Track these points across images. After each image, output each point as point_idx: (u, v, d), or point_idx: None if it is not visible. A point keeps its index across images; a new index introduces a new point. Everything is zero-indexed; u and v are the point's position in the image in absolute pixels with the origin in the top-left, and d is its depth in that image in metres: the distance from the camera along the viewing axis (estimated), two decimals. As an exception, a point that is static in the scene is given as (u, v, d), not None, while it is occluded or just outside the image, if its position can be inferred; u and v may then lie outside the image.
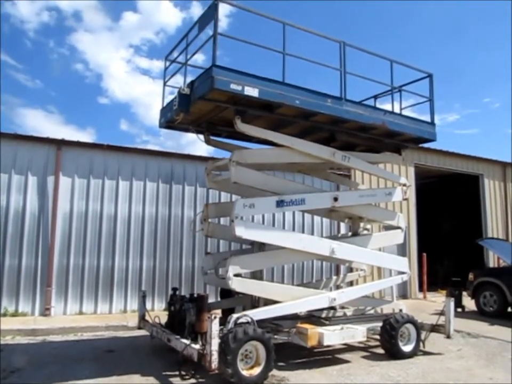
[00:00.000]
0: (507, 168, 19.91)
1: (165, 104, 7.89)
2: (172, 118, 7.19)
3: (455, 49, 54.66)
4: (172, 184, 12.51)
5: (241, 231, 6.54)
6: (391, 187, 9.08)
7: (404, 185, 8.91)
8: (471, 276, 13.10)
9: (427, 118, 8.78)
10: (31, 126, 53.59)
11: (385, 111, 8.10)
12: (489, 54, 51.90)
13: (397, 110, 8.67)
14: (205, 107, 7.04)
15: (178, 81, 8.04)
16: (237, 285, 6.63)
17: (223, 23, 53.82)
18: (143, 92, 57.66)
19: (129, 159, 12.00)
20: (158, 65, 63.31)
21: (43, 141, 11.04)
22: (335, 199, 7.68)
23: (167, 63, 8.23)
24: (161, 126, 8.15)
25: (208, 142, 8.13)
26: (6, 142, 10.61)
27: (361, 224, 9.28)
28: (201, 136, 8.09)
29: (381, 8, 51.71)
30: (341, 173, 10.64)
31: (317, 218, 14.32)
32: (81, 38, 49.90)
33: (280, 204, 6.98)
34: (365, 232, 9.29)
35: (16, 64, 46.60)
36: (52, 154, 11.07)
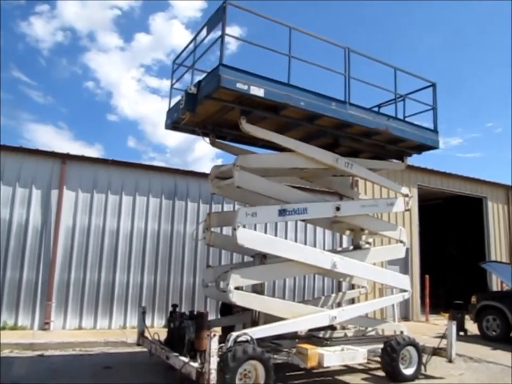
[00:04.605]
0: (510, 191, 19.90)
1: (171, 107, 7.98)
2: (178, 118, 7.24)
3: (456, 73, 55.12)
4: (175, 200, 12.55)
5: (243, 240, 6.50)
6: (393, 197, 9.06)
7: (406, 195, 8.87)
8: (474, 299, 12.98)
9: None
10: (41, 141, 54.28)
11: (389, 117, 8.13)
12: (491, 78, 52.31)
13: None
14: (211, 108, 7.10)
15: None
16: (237, 298, 6.56)
17: (232, 45, 54.75)
18: (151, 110, 58.38)
19: (133, 174, 12.07)
20: (167, 84, 63.95)
21: (48, 155, 11.13)
22: (337, 209, 7.66)
23: (175, 67, 8.35)
24: (167, 127, 8.24)
25: (213, 144, 8.18)
26: (11, 155, 10.70)
27: (363, 237, 9.23)
28: (207, 139, 8.15)
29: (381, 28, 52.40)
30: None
31: (319, 237, 14.32)
32: (94, 57, 50.90)
33: (282, 212, 6.96)
34: (367, 246, 9.24)
35: (29, 81, 47.48)
36: (56, 168, 11.15)
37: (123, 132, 58.75)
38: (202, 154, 62.10)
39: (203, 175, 12.45)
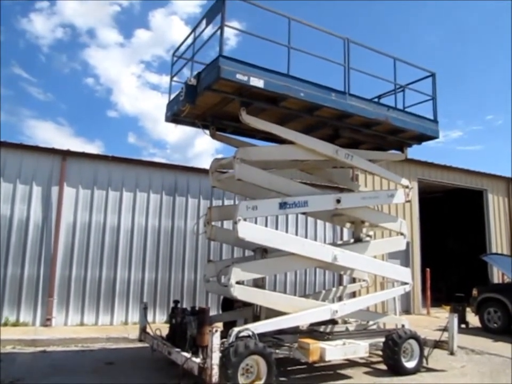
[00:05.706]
0: (511, 184, 19.86)
1: (171, 99, 7.97)
2: (178, 111, 7.24)
3: (456, 66, 54.92)
4: (175, 196, 12.53)
5: (244, 233, 6.50)
6: (393, 189, 9.05)
7: (406, 187, 8.86)
8: (475, 292, 13.00)
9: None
10: (41, 138, 54.37)
11: (389, 107, 8.12)
12: (491, 71, 52.11)
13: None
14: (211, 99, 7.08)
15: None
16: (238, 292, 6.56)
17: (232, 41, 54.67)
18: (151, 106, 58.36)
19: (133, 170, 12.04)
20: (167, 80, 63.91)
21: (48, 152, 11.09)
22: (338, 201, 7.66)
23: (174, 59, 8.32)
24: (167, 120, 8.23)
25: (213, 136, 8.15)
26: (12, 152, 10.67)
27: (364, 230, 9.22)
28: (207, 131, 8.12)
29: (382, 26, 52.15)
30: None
31: (320, 233, 14.31)
32: (94, 54, 50.88)
33: (283, 205, 6.95)
34: (368, 238, 9.22)
35: (29, 78, 47.46)
36: (56, 164, 11.12)
37: (123, 128, 58.93)
38: (203, 149, 62.20)
39: (203, 171, 12.42)
